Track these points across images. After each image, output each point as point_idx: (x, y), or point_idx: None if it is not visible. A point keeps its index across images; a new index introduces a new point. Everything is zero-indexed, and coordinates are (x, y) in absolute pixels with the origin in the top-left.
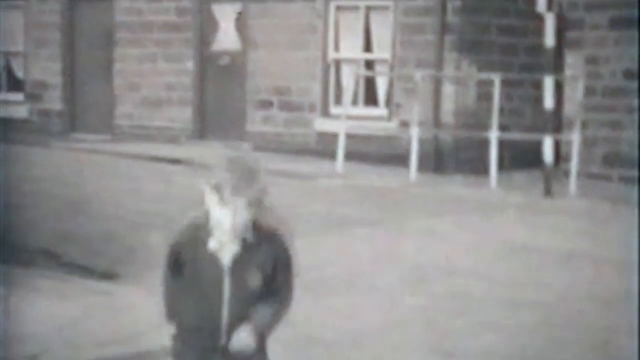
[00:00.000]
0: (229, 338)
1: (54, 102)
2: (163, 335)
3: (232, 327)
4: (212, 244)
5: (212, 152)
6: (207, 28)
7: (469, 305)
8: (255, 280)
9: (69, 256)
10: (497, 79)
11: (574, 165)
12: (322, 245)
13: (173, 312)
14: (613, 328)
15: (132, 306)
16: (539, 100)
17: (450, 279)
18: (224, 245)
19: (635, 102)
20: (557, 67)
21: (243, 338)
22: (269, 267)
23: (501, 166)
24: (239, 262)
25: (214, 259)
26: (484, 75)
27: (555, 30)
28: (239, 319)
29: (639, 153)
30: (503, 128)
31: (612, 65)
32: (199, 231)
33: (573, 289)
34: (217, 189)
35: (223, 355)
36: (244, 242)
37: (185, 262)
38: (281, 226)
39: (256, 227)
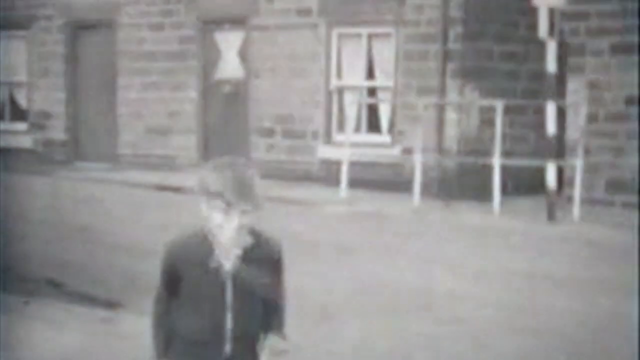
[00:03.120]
0: (232, 346)
1: (58, 131)
2: None
3: (236, 334)
4: (215, 253)
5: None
6: (209, 56)
7: (472, 331)
8: (257, 284)
9: (70, 285)
10: (499, 105)
11: (577, 190)
12: (325, 271)
13: (163, 348)
14: (615, 353)
15: (134, 334)
16: (541, 126)
17: (454, 305)
18: (225, 253)
19: (637, 128)
20: (559, 92)
21: (277, 345)
22: (268, 270)
23: (504, 192)
24: (240, 268)
25: (214, 267)
26: (486, 102)
27: (557, 56)
28: (242, 325)
29: (639, 178)
30: (506, 154)
31: (614, 91)
32: (196, 241)
33: (576, 314)
34: (218, 194)
35: None
36: (244, 248)
37: (183, 275)
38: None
39: (253, 232)
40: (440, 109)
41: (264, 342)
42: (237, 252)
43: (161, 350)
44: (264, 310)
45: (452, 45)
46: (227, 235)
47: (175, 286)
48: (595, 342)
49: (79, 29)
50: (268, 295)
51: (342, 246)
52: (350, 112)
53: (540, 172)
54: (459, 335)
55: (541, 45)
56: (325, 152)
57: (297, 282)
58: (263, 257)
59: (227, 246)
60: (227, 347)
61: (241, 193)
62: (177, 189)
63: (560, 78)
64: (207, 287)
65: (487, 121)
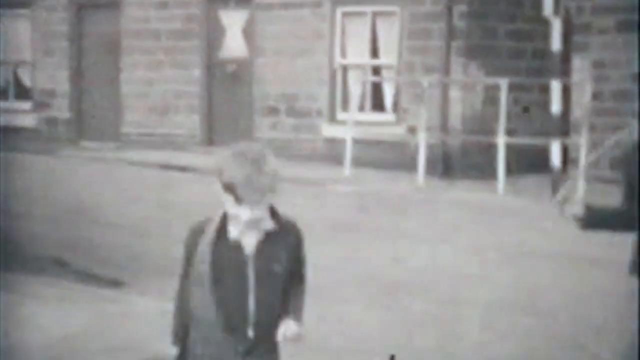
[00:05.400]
0: (255, 331)
1: (62, 110)
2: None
3: (259, 319)
4: (234, 233)
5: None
6: (214, 35)
7: (474, 310)
8: (278, 266)
9: (76, 264)
10: (504, 83)
11: (582, 169)
12: (329, 250)
13: (182, 334)
14: (616, 333)
15: (140, 313)
16: (546, 104)
17: (457, 284)
18: (244, 234)
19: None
20: (564, 71)
21: (294, 328)
22: (289, 252)
23: (508, 170)
24: (261, 250)
25: (235, 250)
26: (491, 80)
27: (562, 34)
28: (265, 309)
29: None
30: (510, 132)
31: (619, 69)
32: (216, 226)
33: (580, 292)
34: (230, 187)
35: (248, 350)
36: (264, 230)
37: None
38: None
39: (273, 213)
40: (445, 88)
41: (282, 326)
42: (256, 236)
43: (179, 336)
44: (286, 293)
45: (457, 24)
46: (242, 224)
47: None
48: (599, 321)
49: (83, 7)
50: (288, 279)
51: (346, 225)
52: (355, 90)
53: (545, 151)
54: (461, 314)
55: (546, 24)
56: (329, 130)
57: None
58: (283, 240)
59: (244, 232)
60: (250, 332)
61: (252, 190)
62: (181, 168)
63: (565, 56)
64: (230, 272)
65: (491, 99)
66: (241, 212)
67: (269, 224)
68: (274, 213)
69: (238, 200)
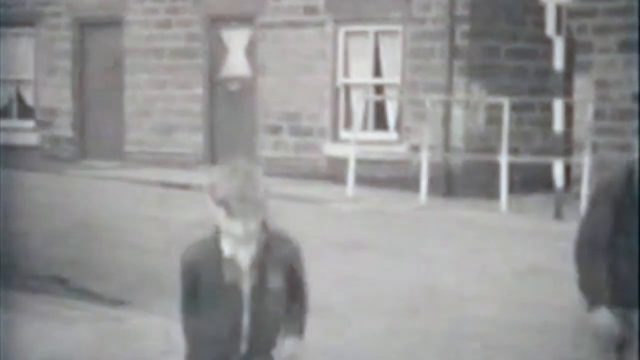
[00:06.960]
0: (249, 345)
1: (64, 128)
2: None
3: (252, 334)
4: (227, 250)
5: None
6: (216, 54)
7: (478, 329)
8: (274, 281)
9: (78, 282)
10: (506, 102)
11: (584, 188)
12: (331, 269)
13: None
14: None
15: (142, 332)
16: (548, 123)
17: (461, 303)
18: (238, 249)
19: None
20: (567, 90)
21: (290, 348)
22: (285, 268)
23: (511, 189)
24: (257, 265)
25: (231, 265)
26: (493, 99)
27: (565, 54)
28: (259, 326)
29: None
30: (513, 151)
31: (621, 88)
32: (211, 243)
33: (582, 312)
34: (223, 202)
35: None
36: (258, 245)
37: (201, 276)
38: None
39: (266, 229)
40: (447, 106)
41: (280, 345)
42: (251, 251)
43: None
44: (286, 311)
45: (459, 43)
46: (237, 239)
47: (195, 288)
48: None
49: (86, 26)
50: (287, 295)
51: (349, 244)
52: (357, 109)
53: (548, 170)
54: (465, 333)
55: (548, 43)
56: (332, 149)
57: None
58: (278, 255)
59: (240, 247)
60: (243, 347)
61: (245, 202)
62: (183, 187)
63: (568, 75)
64: (225, 289)
65: (494, 118)
66: (234, 228)
67: (262, 238)
68: (265, 227)
69: (231, 214)
